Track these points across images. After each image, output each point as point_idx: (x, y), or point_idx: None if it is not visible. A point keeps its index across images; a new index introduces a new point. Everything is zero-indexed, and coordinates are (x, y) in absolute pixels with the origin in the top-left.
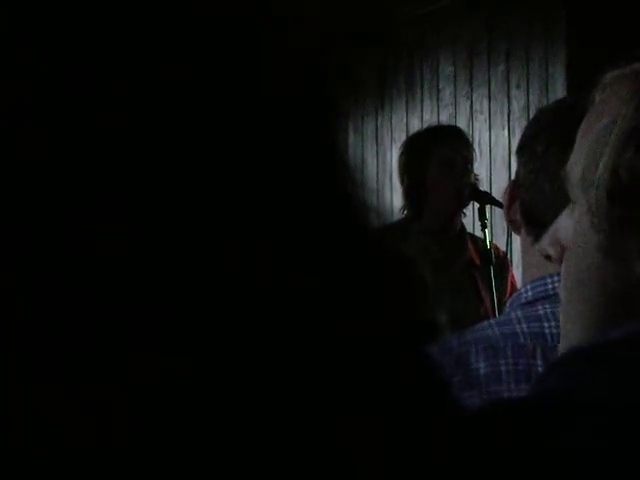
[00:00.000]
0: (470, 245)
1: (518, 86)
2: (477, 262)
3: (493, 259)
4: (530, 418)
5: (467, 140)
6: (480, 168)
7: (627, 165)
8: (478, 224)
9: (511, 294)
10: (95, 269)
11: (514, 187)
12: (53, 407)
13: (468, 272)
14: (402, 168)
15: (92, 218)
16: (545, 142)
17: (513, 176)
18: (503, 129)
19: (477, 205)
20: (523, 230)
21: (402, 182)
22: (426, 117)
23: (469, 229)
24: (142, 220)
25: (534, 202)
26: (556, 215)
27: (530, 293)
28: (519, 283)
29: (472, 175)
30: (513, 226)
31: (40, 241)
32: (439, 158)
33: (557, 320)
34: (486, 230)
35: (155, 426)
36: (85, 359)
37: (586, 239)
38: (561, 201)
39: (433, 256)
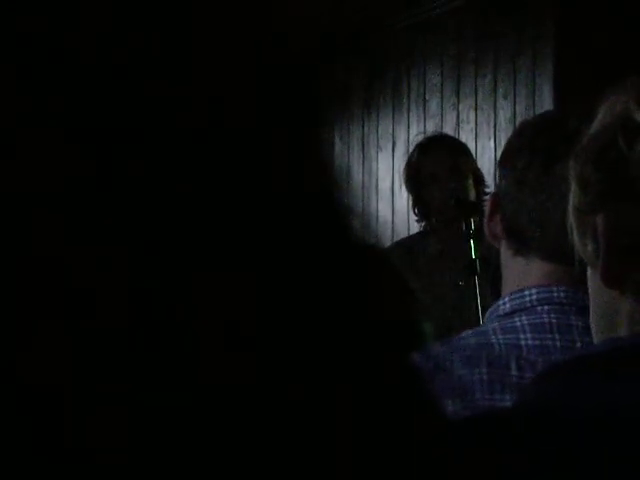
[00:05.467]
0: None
1: (505, 97)
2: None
3: (478, 269)
4: (503, 430)
5: (452, 148)
6: None
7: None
8: None
9: None
10: None
11: (495, 200)
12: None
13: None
14: (404, 184)
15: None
16: (528, 156)
17: None
18: (489, 140)
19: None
20: (503, 243)
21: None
22: (412, 127)
23: None
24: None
25: (515, 216)
26: (538, 229)
27: (508, 305)
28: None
29: (468, 182)
30: (493, 239)
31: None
32: (425, 173)
33: (533, 332)
34: (472, 240)
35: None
36: None
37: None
38: (543, 215)
39: (446, 263)
